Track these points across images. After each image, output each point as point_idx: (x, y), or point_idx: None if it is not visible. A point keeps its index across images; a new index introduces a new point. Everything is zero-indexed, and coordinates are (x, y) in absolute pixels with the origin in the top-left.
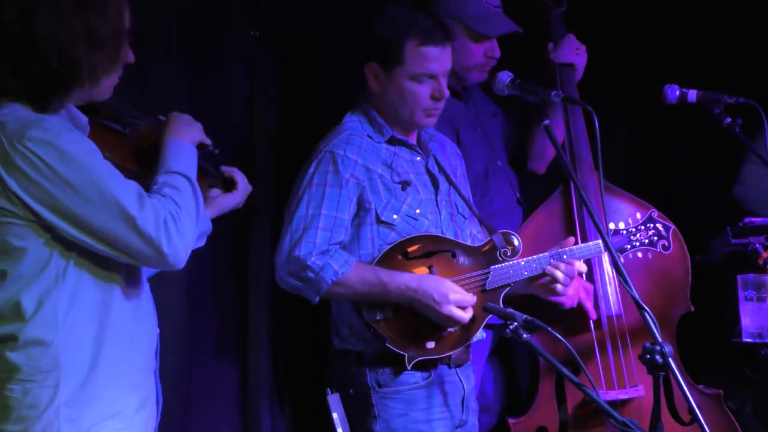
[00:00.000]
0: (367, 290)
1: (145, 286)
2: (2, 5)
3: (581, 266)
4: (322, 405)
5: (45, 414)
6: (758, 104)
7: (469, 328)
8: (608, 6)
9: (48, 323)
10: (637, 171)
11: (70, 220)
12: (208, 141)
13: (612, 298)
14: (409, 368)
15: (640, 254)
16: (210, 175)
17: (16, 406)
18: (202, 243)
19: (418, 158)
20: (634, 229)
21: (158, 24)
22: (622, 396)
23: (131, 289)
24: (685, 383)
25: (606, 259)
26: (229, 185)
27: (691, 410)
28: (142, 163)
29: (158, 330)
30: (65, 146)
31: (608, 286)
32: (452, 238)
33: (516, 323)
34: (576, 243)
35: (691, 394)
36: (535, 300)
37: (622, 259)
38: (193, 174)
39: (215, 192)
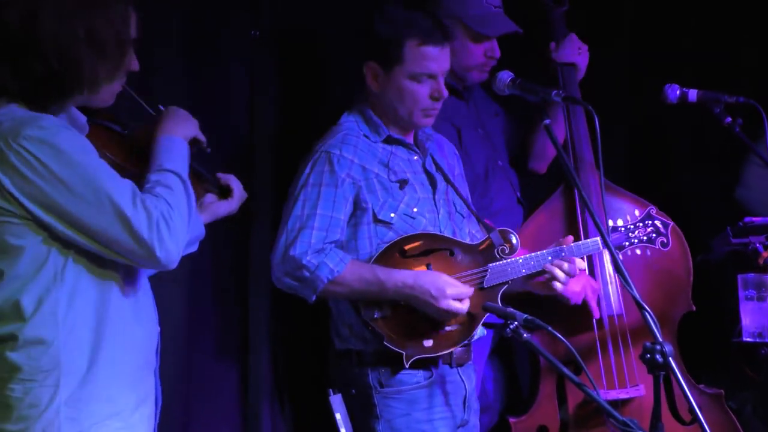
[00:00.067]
0: (364, 288)
1: (145, 285)
2: (5, 5)
3: (580, 263)
4: (323, 405)
5: (45, 413)
6: (759, 104)
7: (467, 326)
8: (608, 6)
9: (48, 322)
10: (637, 171)
11: (63, 219)
12: (202, 137)
13: (613, 298)
14: (407, 366)
15: (638, 251)
16: (206, 181)
17: (17, 405)
18: (194, 249)
19: (416, 157)
20: (632, 227)
21: (158, 24)
22: (623, 395)
23: (130, 288)
24: (686, 383)
25: (607, 258)
26: (225, 192)
27: (691, 410)
28: (142, 163)
29: (159, 329)
30: (61, 144)
31: (609, 285)
32: (450, 236)
33: (516, 323)
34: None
35: (692, 394)
36: (535, 299)
37: (620, 257)
38: (184, 171)
39: (210, 198)
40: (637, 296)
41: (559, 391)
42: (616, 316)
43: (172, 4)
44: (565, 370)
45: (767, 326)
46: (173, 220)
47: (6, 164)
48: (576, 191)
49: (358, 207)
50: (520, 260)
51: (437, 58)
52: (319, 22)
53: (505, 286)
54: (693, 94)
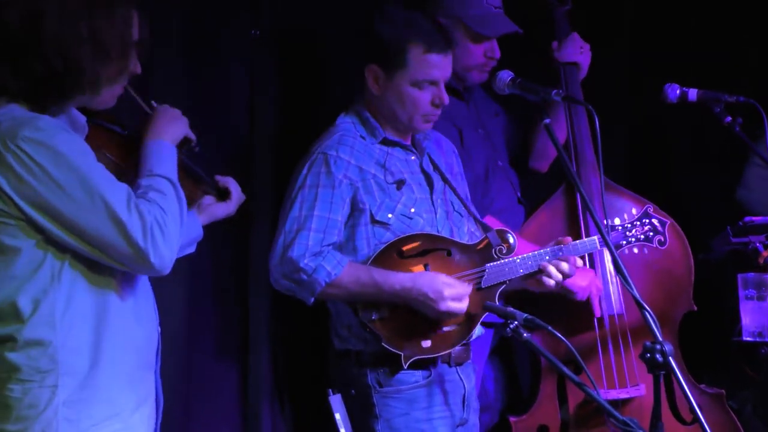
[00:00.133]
0: (362, 291)
1: (145, 286)
2: (6, 5)
3: (577, 261)
4: (322, 405)
5: (44, 414)
6: (759, 103)
7: (466, 326)
8: (608, 6)
9: (46, 324)
10: (637, 171)
11: (57, 221)
12: (192, 136)
13: (614, 297)
14: (405, 367)
15: (636, 250)
16: (204, 183)
17: (16, 405)
18: (192, 250)
19: (413, 157)
20: (629, 225)
21: (158, 24)
22: (623, 395)
23: (128, 289)
24: (686, 382)
25: (608, 258)
26: (223, 194)
27: (692, 410)
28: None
29: (159, 329)
30: (58, 146)
31: (610, 284)
32: (448, 236)
33: (516, 322)
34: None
35: (692, 394)
36: (535, 298)
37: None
38: (174, 175)
39: (208, 200)
40: (637, 296)
41: (560, 390)
42: (616, 316)
43: (172, 4)
44: (566, 369)
45: (767, 325)
46: (167, 225)
47: (3, 165)
48: (576, 191)
49: (355, 208)
50: (518, 260)
51: (441, 66)
52: (319, 22)
53: (503, 286)
54: (693, 93)
